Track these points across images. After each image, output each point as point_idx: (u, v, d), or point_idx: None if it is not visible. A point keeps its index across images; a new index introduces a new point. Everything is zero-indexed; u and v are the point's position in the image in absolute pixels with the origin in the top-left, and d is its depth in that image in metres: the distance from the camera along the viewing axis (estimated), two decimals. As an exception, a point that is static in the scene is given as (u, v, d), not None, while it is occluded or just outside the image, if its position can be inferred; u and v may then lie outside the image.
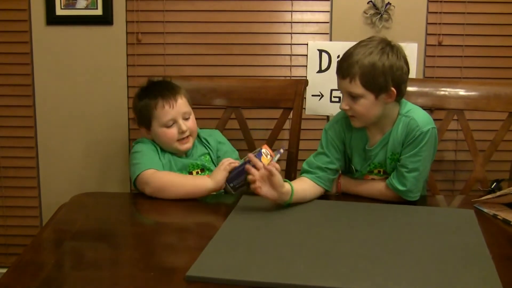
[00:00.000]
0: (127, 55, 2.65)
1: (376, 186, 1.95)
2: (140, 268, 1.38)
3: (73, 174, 2.74)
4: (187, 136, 2.03)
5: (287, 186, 1.79)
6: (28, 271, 1.34)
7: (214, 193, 1.90)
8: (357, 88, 1.80)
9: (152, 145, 2.03)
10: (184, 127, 2.00)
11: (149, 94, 2.03)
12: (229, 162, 1.91)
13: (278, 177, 1.74)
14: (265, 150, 1.85)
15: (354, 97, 1.83)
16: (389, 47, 1.83)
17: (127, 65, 2.66)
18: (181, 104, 2.02)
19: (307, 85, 2.40)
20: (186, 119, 2.03)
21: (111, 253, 1.49)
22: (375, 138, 1.94)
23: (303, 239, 1.50)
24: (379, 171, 1.97)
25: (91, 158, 2.74)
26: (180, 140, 2.02)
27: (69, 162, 2.74)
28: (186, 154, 2.07)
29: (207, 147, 2.14)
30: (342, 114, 1.97)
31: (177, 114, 2.00)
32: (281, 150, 1.88)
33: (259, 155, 1.81)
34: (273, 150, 1.89)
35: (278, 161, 1.83)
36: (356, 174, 2.01)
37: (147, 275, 1.32)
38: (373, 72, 1.78)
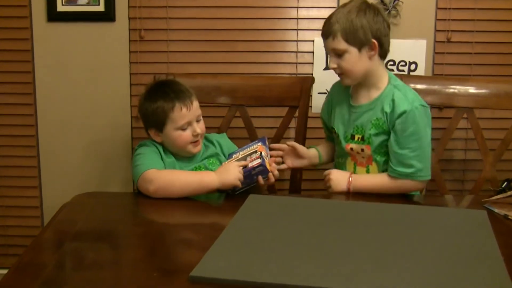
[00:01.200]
0: (130, 52, 2.65)
1: (383, 179, 2.00)
2: (143, 268, 1.38)
3: (74, 173, 2.75)
4: (198, 139, 2.03)
5: (312, 150, 2.16)
6: (29, 272, 1.34)
7: (217, 193, 1.90)
8: (340, 43, 1.94)
9: (155, 148, 2.02)
10: (198, 130, 2.00)
11: (164, 96, 1.99)
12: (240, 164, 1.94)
13: (300, 147, 2.10)
14: (263, 153, 1.94)
15: (339, 55, 1.96)
16: (366, 5, 1.97)
17: (130, 63, 2.66)
18: (196, 107, 2.02)
19: (313, 82, 2.40)
20: (198, 121, 2.02)
21: (113, 254, 1.49)
22: (361, 97, 2.04)
23: (309, 239, 1.50)
24: (359, 138, 2.03)
25: (93, 157, 2.74)
26: (193, 142, 2.01)
27: (70, 161, 2.74)
28: (190, 156, 2.07)
29: (217, 147, 2.14)
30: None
31: (193, 117, 2.00)
32: (267, 143, 2.06)
33: (263, 162, 1.90)
34: (259, 140, 2.08)
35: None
36: (338, 142, 2.09)
37: (150, 276, 1.32)
38: (352, 27, 1.92)
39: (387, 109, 1.97)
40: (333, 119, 2.09)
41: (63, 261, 1.43)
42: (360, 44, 1.94)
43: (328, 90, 2.21)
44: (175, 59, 2.66)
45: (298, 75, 2.66)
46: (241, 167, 1.91)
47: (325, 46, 2.00)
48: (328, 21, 1.97)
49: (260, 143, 2.02)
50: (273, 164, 1.97)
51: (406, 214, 1.71)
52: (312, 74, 2.64)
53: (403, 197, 2.02)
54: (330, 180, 2.00)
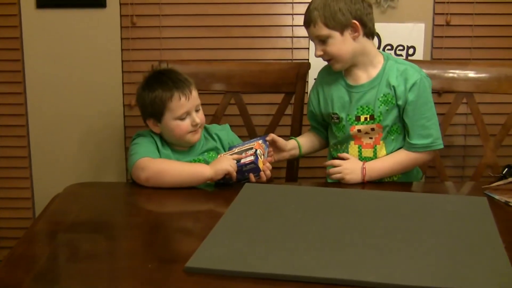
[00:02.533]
0: (122, 39, 2.65)
1: (399, 157, 2.03)
2: (139, 259, 1.38)
3: (66, 163, 2.75)
4: (197, 129, 2.03)
5: (292, 142, 2.14)
6: (21, 265, 1.34)
7: (211, 182, 1.90)
8: (321, 30, 1.97)
9: (152, 138, 2.02)
10: (198, 120, 1.99)
11: (162, 85, 1.98)
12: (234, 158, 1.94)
13: (280, 140, 2.08)
14: (259, 151, 1.95)
15: (323, 41, 1.99)
16: None
17: (122, 50, 2.65)
18: (195, 96, 2.01)
19: (309, 68, 2.40)
20: (197, 110, 2.02)
21: (108, 245, 1.49)
22: (359, 77, 2.05)
23: (307, 228, 1.50)
24: (366, 118, 2.03)
25: (85, 146, 2.74)
26: (191, 132, 2.01)
27: (62, 151, 2.74)
28: (189, 149, 2.06)
29: (217, 141, 2.13)
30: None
31: (192, 106, 1.99)
32: (267, 142, 2.06)
33: (256, 160, 1.90)
34: (260, 137, 2.08)
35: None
36: (341, 127, 2.07)
37: (146, 267, 1.32)
38: (330, 11, 1.95)
39: (395, 82, 1.98)
40: (332, 104, 2.08)
41: (57, 253, 1.43)
42: (341, 27, 1.96)
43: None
44: (168, 46, 2.65)
45: (293, 61, 2.66)
46: (235, 160, 1.92)
47: (309, 35, 2.04)
48: (307, 10, 2.00)
49: (260, 141, 2.02)
50: (267, 164, 1.96)
51: (406, 202, 1.72)
52: (308, 59, 2.64)
53: (402, 184, 2.05)
54: (344, 172, 1.98)
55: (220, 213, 1.59)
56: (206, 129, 2.13)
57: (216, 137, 2.14)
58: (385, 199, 1.74)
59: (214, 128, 2.18)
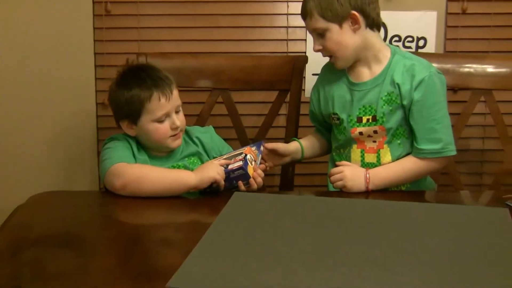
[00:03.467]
0: (94, 28, 2.65)
1: (406, 163, 2.03)
2: (115, 277, 1.37)
3: (31, 169, 2.74)
4: (178, 132, 2.03)
5: (294, 145, 2.17)
6: (-20, 286, 1.34)
7: (195, 190, 1.91)
8: (318, 22, 1.97)
9: (127, 143, 2.02)
10: (178, 123, 2.00)
11: (140, 83, 1.98)
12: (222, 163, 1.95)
13: (281, 147, 2.12)
14: (250, 156, 1.96)
15: (321, 34, 2.00)
16: None
17: (94, 41, 2.65)
18: (176, 96, 2.01)
19: (306, 62, 2.41)
20: (177, 112, 2.02)
21: (80, 261, 1.48)
22: (362, 74, 2.06)
23: (304, 243, 1.49)
24: (368, 119, 2.04)
25: (53, 150, 2.73)
26: (172, 136, 2.01)
27: (26, 155, 2.73)
28: (167, 154, 2.07)
29: (198, 146, 2.13)
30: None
31: (172, 108, 1.99)
32: (261, 148, 2.06)
33: (245, 165, 1.91)
34: (254, 143, 2.09)
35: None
36: (342, 129, 2.09)
37: (123, 286, 1.32)
38: (326, 1, 1.95)
39: (400, 79, 1.99)
40: (332, 104, 2.09)
41: (20, 272, 1.42)
42: (339, 19, 1.96)
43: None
44: (148, 37, 2.66)
45: (289, 54, 2.67)
46: (222, 167, 1.92)
47: (307, 28, 2.05)
48: (303, 2, 2.01)
49: (254, 147, 2.03)
50: (259, 171, 1.97)
51: (415, 213, 1.72)
52: (305, 52, 2.65)
53: (411, 193, 2.06)
54: (346, 179, 1.97)
55: (206, 225, 1.59)
56: (186, 132, 2.13)
57: (197, 141, 2.14)
58: (392, 210, 1.74)
59: (196, 130, 2.18)
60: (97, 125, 2.70)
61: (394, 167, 2.03)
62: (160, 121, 1.98)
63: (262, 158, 2.06)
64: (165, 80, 2.00)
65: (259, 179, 1.95)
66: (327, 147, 2.24)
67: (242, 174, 1.91)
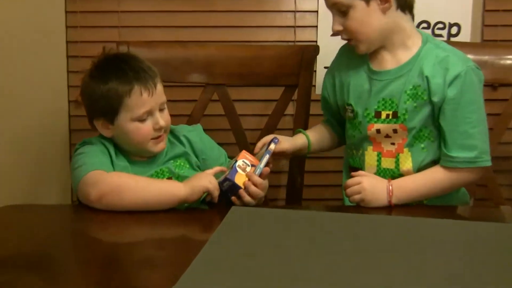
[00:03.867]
0: (66, 12, 2.65)
1: (435, 174, 2.01)
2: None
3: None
4: (162, 134, 2.02)
5: (300, 139, 2.19)
6: None
7: (186, 204, 1.91)
8: None
9: (103, 147, 2.02)
10: (162, 122, 1.98)
11: (119, 75, 1.97)
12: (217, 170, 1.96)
13: (288, 147, 2.11)
14: (241, 162, 1.93)
15: (343, 12, 1.98)
16: None
17: (66, 27, 2.66)
18: (160, 92, 2.00)
19: (317, 53, 2.42)
20: (161, 110, 2.02)
21: (50, 285, 1.49)
22: (385, 61, 2.06)
23: (313, 267, 1.48)
24: (388, 115, 2.03)
25: (18, 157, 2.74)
26: (154, 138, 2.01)
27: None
28: (150, 158, 2.07)
29: (186, 146, 2.12)
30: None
31: (156, 105, 1.98)
32: (272, 146, 2.00)
33: (232, 174, 1.91)
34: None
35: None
36: (356, 125, 2.10)
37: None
38: None
39: (430, 72, 1.98)
40: (347, 93, 2.10)
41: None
42: None
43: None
44: (129, 22, 2.67)
45: (296, 43, 2.69)
46: (217, 174, 1.93)
47: (326, 3, 2.04)
48: None
49: (264, 151, 2.01)
50: (255, 178, 1.92)
51: (446, 232, 1.70)
52: (316, 41, 2.67)
53: (442, 208, 2.04)
54: (365, 191, 1.96)
55: (196, 243, 1.58)
56: (171, 132, 2.12)
57: (185, 140, 2.13)
58: (418, 228, 1.72)
59: (182, 129, 2.17)
60: (69, 126, 2.71)
61: (421, 178, 2.02)
62: (141, 120, 1.97)
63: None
64: (148, 72, 1.99)
65: (253, 188, 1.92)
66: (336, 141, 2.28)
67: (230, 186, 1.91)
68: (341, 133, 2.22)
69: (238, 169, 1.91)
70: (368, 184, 1.97)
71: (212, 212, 1.86)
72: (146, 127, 1.98)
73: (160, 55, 2.36)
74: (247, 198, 1.92)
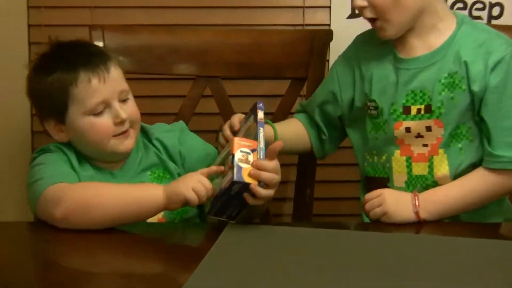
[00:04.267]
0: (28, -10, 2.65)
1: (475, 179, 2.00)
2: None
3: None
4: (127, 129, 1.99)
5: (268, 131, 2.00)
6: None
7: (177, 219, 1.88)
8: None
9: (63, 154, 2.00)
10: (123, 114, 1.94)
11: (62, 62, 1.96)
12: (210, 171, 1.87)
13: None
14: (239, 153, 1.80)
15: None
16: None
17: (28, 7, 2.65)
18: (117, 77, 1.97)
19: (331, 39, 2.40)
20: (124, 101, 1.99)
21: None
22: (413, 47, 2.06)
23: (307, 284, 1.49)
24: (419, 110, 2.02)
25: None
26: (117, 135, 1.97)
27: None
28: (121, 166, 2.05)
29: (160, 151, 2.10)
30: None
31: (112, 93, 1.95)
32: (261, 115, 1.88)
33: (238, 173, 1.78)
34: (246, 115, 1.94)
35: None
36: (380, 124, 2.08)
37: None
38: None
39: (469, 56, 1.97)
40: (369, 87, 2.09)
41: None
42: None
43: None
44: (104, 2, 2.65)
45: (306, 27, 2.69)
46: (212, 175, 1.86)
47: None
48: None
49: (247, 122, 1.93)
50: (261, 163, 1.78)
51: (485, 256, 1.68)
52: (329, 25, 2.66)
53: (482, 226, 2.02)
54: (386, 203, 1.94)
55: (191, 268, 1.58)
56: (145, 132, 2.10)
57: (158, 144, 2.10)
58: (453, 250, 1.71)
59: (156, 129, 2.13)
60: (32, 127, 2.70)
61: (456, 186, 2.00)
62: (96, 113, 1.94)
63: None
64: (97, 55, 1.97)
65: (264, 175, 1.78)
66: (309, 150, 2.24)
67: (240, 187, 1.80)
68: (321, 141, 2.21)
69: (241, 164, 1.80)
70: (390, 195, 1.96)
71: (210, 229, 1.82)
72: (104, 122, 1.95)
73: (142, 41, 2.36)
74: (262, 191, 1.78)
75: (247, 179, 1.78)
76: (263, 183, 1.78)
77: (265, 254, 1.69)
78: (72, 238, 1.82)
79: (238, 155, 1.80)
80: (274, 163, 1.80)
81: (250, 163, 1.79)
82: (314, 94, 2.22)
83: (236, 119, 1.99)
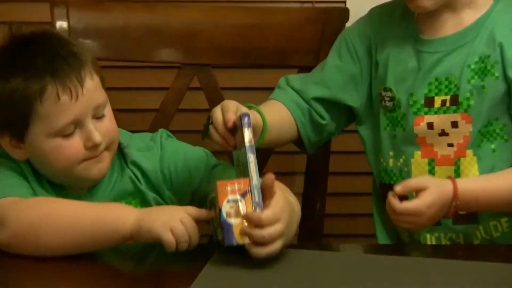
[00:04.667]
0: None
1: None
2: None
3: None
4: (101, 152, 1.94)
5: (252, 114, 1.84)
6: None
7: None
8: None
9: (14, 164, 1.96)
10: (97, 137, 1.89)
11: (26, 66, 1.89)
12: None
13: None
14: (226, 205, 1.68)
15: None
16: None
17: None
18: (92, 90, 1.91)
19: (346, 19, 2.39)
20: (99, 118, 1.93)
21: None
22: (440, 27, 2.07)
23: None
24: (444, 102, 2.01)
25: None
26: (87, 160, 1.93)
27: None
28: (88, 190, 2.01)
29: (138, 178, 2.05)
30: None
31: (85, 111, 1.89)
32: (248, 135, 1.73)
33: (228, 231, 1.67)
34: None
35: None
36: (398, 118, 2.08)
37: None
38: None
39: (505, 38, 1.98)
40: (384, 73, 2.09)
41: None
42: None
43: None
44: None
45: (315, 5, 2.69)
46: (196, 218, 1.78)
47: None
48: None
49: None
50: (252, 217, 1.65)
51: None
52: (344, 2, 2.68)
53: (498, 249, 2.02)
54: (422, 221, 1.90)
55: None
56: (121, 150, 2.05)
57: (135, 169, 2.04)
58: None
59: (132, 148, 2.07)
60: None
61: (490, 180, 1.98)
62: (64, 134, 1.89)
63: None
64: (70, 61, 1.89)
65: (257, 235, 1.65)
66: (296, 137, 2.19)
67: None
68: (316, 128, 2.17)
69: (229, 221, 1.69)
70: (429, 209, 1.89)
71: (194, 259, 1.78)
72: (73, 145, 1.90)
73: (115, 21, 2.33)
74: (261, 251, 1.66)
75: (240, 239, 1.68)
76: None
77: (259, 280, 1.67)
78: (29, 264, 1.79)
79: (225, 208, 1.69)
80: (271, 211, 1.65)
81: (242, 214, 1.68)
82: (321, 78, 2.17)
83: (231, 111, 1.82)
